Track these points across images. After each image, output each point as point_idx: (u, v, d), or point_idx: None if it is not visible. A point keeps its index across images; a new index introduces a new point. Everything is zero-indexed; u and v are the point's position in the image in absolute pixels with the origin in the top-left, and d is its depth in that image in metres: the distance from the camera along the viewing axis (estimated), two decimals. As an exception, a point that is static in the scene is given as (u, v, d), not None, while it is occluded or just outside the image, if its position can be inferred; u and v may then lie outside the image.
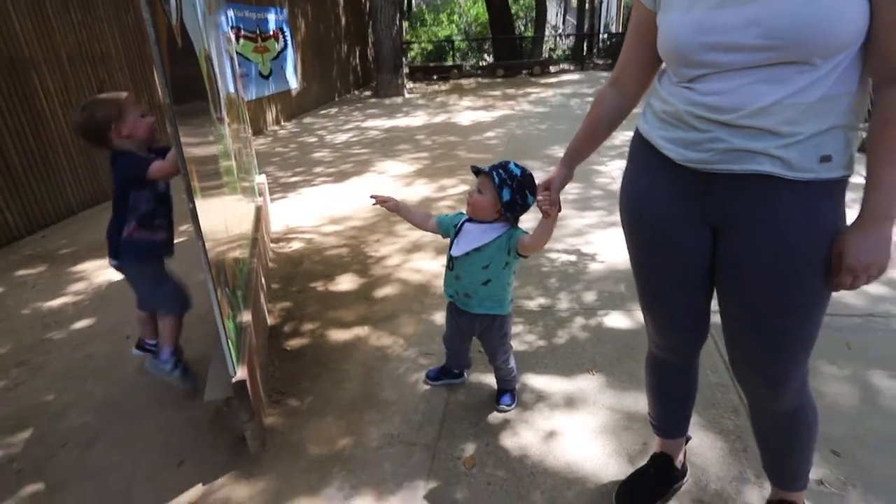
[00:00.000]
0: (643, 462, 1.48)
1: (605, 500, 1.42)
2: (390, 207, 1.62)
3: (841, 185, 0.93)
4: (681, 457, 1.45)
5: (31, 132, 3.79)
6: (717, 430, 1.63)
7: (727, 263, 1.04)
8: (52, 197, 3.97)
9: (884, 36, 0.82)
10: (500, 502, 1.44)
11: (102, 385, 2.06)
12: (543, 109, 8.29)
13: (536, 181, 1.41)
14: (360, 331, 2.32)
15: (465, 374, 1.94)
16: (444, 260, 1.64)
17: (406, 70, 11.86)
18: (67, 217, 4.09)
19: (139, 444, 1.74)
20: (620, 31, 16.28)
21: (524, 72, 13.85)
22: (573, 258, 2.91)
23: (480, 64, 16.32)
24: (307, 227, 3.66)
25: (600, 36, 16.78)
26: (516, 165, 1.50)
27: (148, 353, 1.98)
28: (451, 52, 17.06)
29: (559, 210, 1.31)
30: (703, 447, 1.57)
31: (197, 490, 1.54)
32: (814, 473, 1.34)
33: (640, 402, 1.75)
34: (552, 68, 14.54)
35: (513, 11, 16.25)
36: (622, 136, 3.81)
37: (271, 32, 7.96)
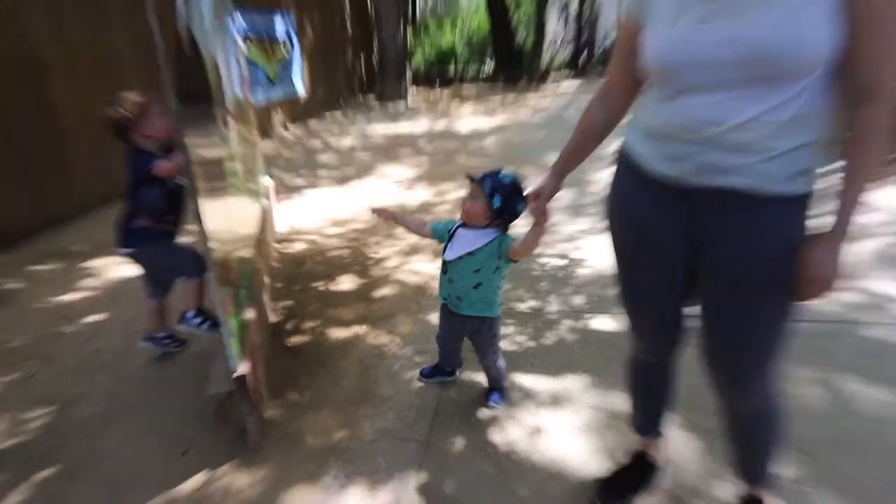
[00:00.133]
0: (624, 459, 1.51)
1: (587, 494, 1.45)
2: (388, 218, 1.66)
3: (809, 199, 0.95)
4: (659, 454, 1.48)
5: (45, 133, 3.83)
6: (695, 430, 1.66)
7: (701, 271, 1.07)
8: (66, 195, 4.00)
9: (850, 60, 0.84)
10: (488, 495, 1.47)
11: (112, 377, 2.09)
12: (541, 118, 8.30)
13: (529, 189, 1.44)
14: (359, 329, 2.35)
15: (458, 372, 1.97)
16: (440, 262, 1.67)
17: (409, 76, 11.89)
18: (80, 215, 4.12)
19: (146, 433, 1.78)
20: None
21: (523, 80, 13.87)
22: (563, 263, 2.94)
23: (481, 72, 16.33)
24: (310, 229, 3.70)
25: (598, 46, 16.78)
26: (507, 173, 1.53)
27: (156, 344, 2.07)
28: (454, 60, 17.09)
29: (549, 218, 1.33)
30: (681, 445, 1.60)
31: (200, 477, 1.57)
32: (783, 472, 1.37)
33: (622, 401, 1.78)
34: (551, 77, 14.56)
35: (513, 22, 16.27)
36: (616, 146, 3.84)
37: (279, 38, 7.98)
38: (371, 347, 2.22)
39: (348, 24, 11.46)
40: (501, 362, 1.80)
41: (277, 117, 8.00)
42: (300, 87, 8.69)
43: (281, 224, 3.78)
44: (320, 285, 2.80)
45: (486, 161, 5.48)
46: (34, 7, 3.72)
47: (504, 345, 2.00)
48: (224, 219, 1.86)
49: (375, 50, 12.55)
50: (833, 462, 1.52)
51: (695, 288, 1.12)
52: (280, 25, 7.99)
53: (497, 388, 1.84)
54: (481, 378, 1.91)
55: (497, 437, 1.68)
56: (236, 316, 1.72)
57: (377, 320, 2.42)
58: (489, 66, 16.98)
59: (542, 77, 14.03)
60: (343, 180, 5.02)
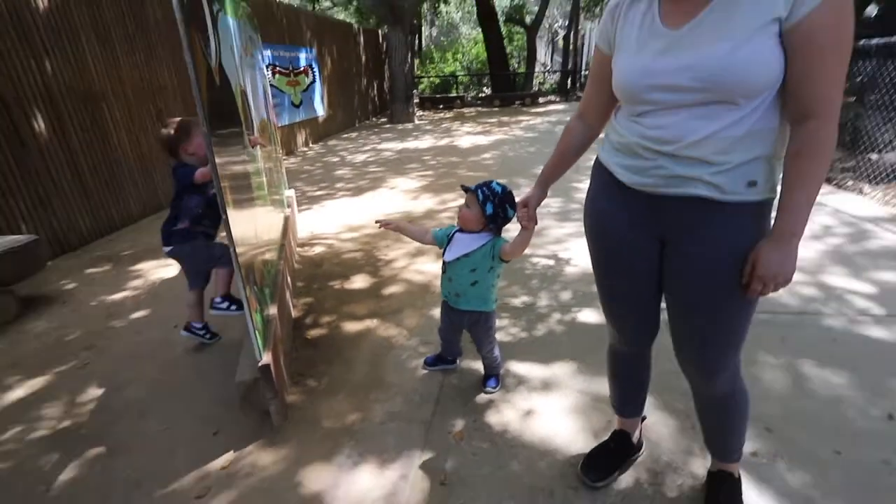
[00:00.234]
0: (606, 437, 1.48)
1: (573, 469, 1.42)
2: (392, 229, 1.64)
3: (766, 206, 0.94)
4: (637, 433, 1.45)
5: (100, 153, 3.85)
6: (669, 410, 1.63)
7: (669, 271, 1.05)
8: (117, 207, 4.02)
9: (794, 83, 0.84)
10: (484, 470, 1.45)
11: (155, 366, 2.09)
12: (533, 135, 8.29)
13: (517, 198, 1.42)
14: (370, 323, 2.34)
15: (458, 360, 1.95)
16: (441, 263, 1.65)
17: (416, 100, 11.92)
18: (129, 224, 4.15)
19: (183, 415, 1.77)
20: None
21: (517, 102, 13.85)
22: (552, 262, 2.91)
23: (480, 95, 16.34)
24: (328, 234, 3.69)
25: (582, 72, 16.77)
26: (497, 184, 1.51)
27: (194, 335, 2.13)
28: (455, 85, 17.11)
29: (536, 223, 1.33)
30: (657, 425, 1.57)
31: (229, 455, 1.56)
32: (748, 447, 1.35)
33: (606, 386, 1.74)
34: (541, 99, 14.53)
35: (507, 51, 16.28)
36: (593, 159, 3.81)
37: (302, 68, 8.02)
38: (381, 339, 2.20)
39: (363, 56, 11.51)
40: (497, 352, 1.78)
41: (300, 137, 8.03)
42: (320, 108, 8.74)
43: (302, 230, 3.78)
44: (336, 284, 2.79)
45: (485, 173, 5.47)
46: (91, 44, 3.76)
47: (499, 336, 1.98)
48: (251, 226, 1.85)
49: (386, 78, 12.61)
50: (792, 436, 1.49)
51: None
52: (303, 59, 8.04)
53: (493, 375, 1.82)
54: (479, 366, 1.88)
55: (493, 418, 1.66)
56: (260, 312, 1.71)
57: (387, 315, 2.40)
58: (487, 90, 16.99)
59: (534, 99, 14.02)
60: (358, 191, 5.02)
